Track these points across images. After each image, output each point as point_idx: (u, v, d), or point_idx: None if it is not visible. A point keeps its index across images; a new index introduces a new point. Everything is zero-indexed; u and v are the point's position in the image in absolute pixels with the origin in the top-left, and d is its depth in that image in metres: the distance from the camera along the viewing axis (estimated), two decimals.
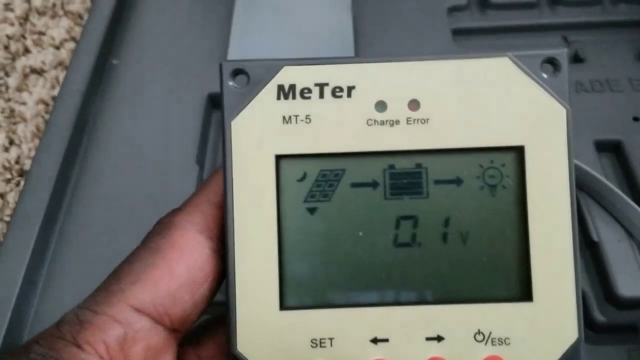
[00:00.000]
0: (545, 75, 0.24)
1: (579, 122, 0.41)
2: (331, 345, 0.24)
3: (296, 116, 0.25)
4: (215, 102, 0.46)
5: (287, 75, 0.25)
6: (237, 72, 0.25)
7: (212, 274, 0.24)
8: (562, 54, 0.25)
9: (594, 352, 0.34)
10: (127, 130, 0.45)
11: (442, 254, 0.25)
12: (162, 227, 0.24)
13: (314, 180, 0.25)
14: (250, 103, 0.24)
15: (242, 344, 0.24)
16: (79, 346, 0.21)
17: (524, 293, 0.24)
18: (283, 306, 0.24)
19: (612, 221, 0.37)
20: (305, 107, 0.24)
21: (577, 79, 0.44)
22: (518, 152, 0.24)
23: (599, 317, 0.34)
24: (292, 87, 0.24)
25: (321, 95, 0.24)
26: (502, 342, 0.24)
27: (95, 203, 0.41)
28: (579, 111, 0.42)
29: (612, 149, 0.41)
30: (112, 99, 0.47)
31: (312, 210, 0.25)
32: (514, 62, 0.24)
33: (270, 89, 0.24)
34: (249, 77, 0.25)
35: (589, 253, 0.37)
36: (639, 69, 0.45)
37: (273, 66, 0.25)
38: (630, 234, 0.36)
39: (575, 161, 0.36)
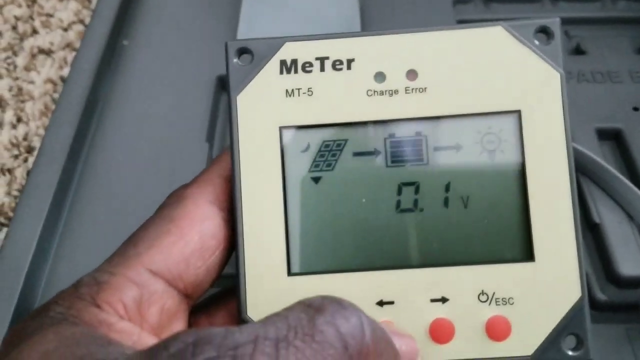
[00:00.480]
0: (538, 43, 0.25)
1: (581, 111, 0.43)
2: None
3: (298, 89, 0.25)
4: (224, 84, 0.47)
5: (289, 51, 0.25)
6: (241, 51, 0.26)
7: (223, 242, 0.25)
8: (554, 22, 0.25)
9: (596, 330, 0.35)
10: (138, 109, 0.45)
11: (444, 218, 0.25)
12: (175, 198, 0.25)
13: (317, 151, 0.26)
14: (255, 78, 0.25)
15: (252, 309, 0.25)
16: (98, 306, 0.22)
17: (526, 253, 0.25)
18: (290, 272, 0.25)
19: (612, 204, 0.38)
20: (307, 81, 0.25)
21: (579, 69, 0.46)
22: (515, 116, 0.25)
23: (600, 295, 0.35)
24: (294, 61, 0.25)
25: (322, 69, 0.25)
26: (506, 302, 0.25)
27: (106, 178, 0.42)
28: (581, 100, 0.43)
29: (612, 137, 0.42)
30: (123, 79, 0.47)
31: (316, 180, 0.26)
32: (507, 30, 0.25)
33: (273, 64, 0.25)
34: (253, 55, 0.25)
35: (591, 235, 0.38)
36: (638, 62, 0.46)
37: (275, 43, 0.25)
38: (630, 216, 0.37)
39: (578, 146, 0.38)
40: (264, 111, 0.25)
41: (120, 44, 0.49)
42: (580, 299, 0.25)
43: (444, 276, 0.25)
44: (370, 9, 0.52)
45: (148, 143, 0.43)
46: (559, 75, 0.25)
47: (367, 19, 0.51)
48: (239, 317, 0.25)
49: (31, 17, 0.58)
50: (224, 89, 0.47)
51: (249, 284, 0.25)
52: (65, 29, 0.57)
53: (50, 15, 0.58)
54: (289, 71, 0.25)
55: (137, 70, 0.48)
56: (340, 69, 0.25)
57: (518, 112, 0.25)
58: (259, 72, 0.25)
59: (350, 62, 0.25)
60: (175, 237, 0.24)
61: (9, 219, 0.45)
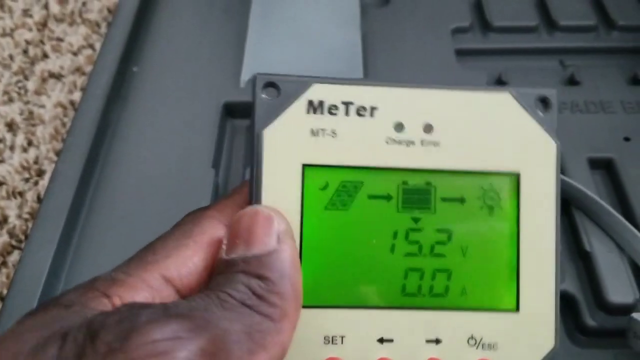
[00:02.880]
0: (539, 112, 0.28)
1: (574, 141, 0.44)
2: (342, 342, 0.27)
3: (323, 130, 0.27)
4: (229, 111, 0.48)
5: (317, 92, 0.27)
6: (269, 85, 0.27)
7: None
8: (552, 93, 0.28)
9: (585, 355, 0.36)
10: (147, 135, 0.47)
11: (444, 264, 0.27)
12: (193, 216, 0.26)
13: (335, 190, 0.27)
14: (282, 115, 0.26)
15: None
16: (109, 297, 0.22)
17: (512, 304, 0.27)
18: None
19: (603, 233, 0.39)
20: (331, 122, 0.27)
21: (572, 100, 0.47)
22: (514, 177, 0.28)
23: (590, 322, 0.37)
24: (321, 103, 0.26)
25: (347, 113, 0.27)
26: (491, 347, 0.27)
27: (116, 202, 0.43)
28: (574, 130, 0.45)
29: (604, 167, 0.44)
30: (132, 104, 0.49)
31: (331, 217, 0.27)
32: (514, 97, 0.28)
33: (301, 103, 0.26)
34: (279, 91, 0.26)
35: (582, 262, 0.39)
36: (631, 92, 0.48)
37: (304, 82, 0.27)
38: (619, 246, 0.39)
39: (570, 180, 0.39)
40: (289, 148, 0.26)
41: (130, 70, 0.51)
42: (554, 348, 0.27)
43: (440, 319, 0.27)
44: (372, 35, 0.54)
45: (156, 168, 0.45)
46: (555, 146, 0.28)
47: (370, 46, 0.53)
48: None
49: (42, 42, 0.60)
50: (229, 116, 0.49)
51: None
52: (75, 54, 0.59)
53: (60, 40, 0.60)
54: (315, 111, 0.26)
55: (146, 96, 0.49)
56: (364, 115, 0.27)
57: (517, 174, 0.28)
58: (286, 109, 0.26)
59: (373, 109, 0.27)
60: (192, 251, 0.25)
61: (20, 241, 0.46)
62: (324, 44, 0.53)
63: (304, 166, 0.27)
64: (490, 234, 0.27)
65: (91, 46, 0.60)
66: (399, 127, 0.27)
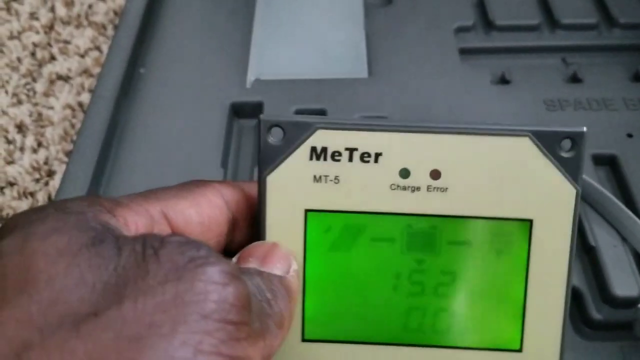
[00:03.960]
0: (562, 154, 0.26)
1: None
2: None
3: (326, 176, 0.26)
4: (236, 111, 0.49)
5: (320, 138, 0.26)
6: (273, 126, 0.26)
7: (220, 237, 0.27)
8: (581, 133, 0.26)
9: (591, 348, 0.37)
10: (156, 136, 0.47)
11: (447, 305, 0.27)
12: (197, 181, 0.27)
13: (338, 233, 0.27)
14: (285, 161, 0.26)
15: None
16: (113, 215, 0.22)
17: (515, 344, 0.27)
18: (304, 338, 0.27)
19: (607, 227, 0.40)
20: (334, 169, 0.26)
21: (575, 97, 0.48)
22: (527, 224, 0.27)
23: (595, 315, 0.37)
24: (324, 149, 0.26)
25: (350, 159, 0.26)
26: None
27: None
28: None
29: (608, 163, 0.44)
30: (140, 105, 0.49)
31: (334, 259, 0.27)
32: (533, 142, 0.26)
33: (304, 150, 0.26)
34: (284, 132, 0.26)
35: (587, 257, 0.40)
36: (633, 89, 0.48)
37: (307, 126, 0.26)
38: (624, 240, 0.39)
39: None
40: (292, 194, 0.27)
41: (138, 72, 0.52)
42: None
43: (442, 356, 0.27)
44: (376, 35, 0.54)
45: (165, 169, 0.45)
46: (575, 192, 0.26)
47: (374, 46, 0.53)
48: None
49: (49, 44, 0.61)
50: (236, 116, 0.49)
51: None
52: (82, 56, 0.60)
53: (67, 42, 0.61)
54: (318, 158, 0.26)
55: (154, 97, 0.50)
56: (368, 161, 0.26)
57: (530, 221, 0.26)
58: (289, 155, 0.26)
59: (378, 155, 0.26)
60: (189, 204, 0.25)
61: None
62: (329, 44, 0.53)
63: (307, 211, 0.27)
64: (496, 275, 0.27)
65: (98, 48, 0.60)
66: (405, 173, 0.26)
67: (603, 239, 0.40)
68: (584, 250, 0.40)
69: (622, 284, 0.38)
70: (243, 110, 0.49)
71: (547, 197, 0.26)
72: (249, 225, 0.28)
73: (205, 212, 0.26)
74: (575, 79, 0.50)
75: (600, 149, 0.44)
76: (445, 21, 0.55)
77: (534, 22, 0.54)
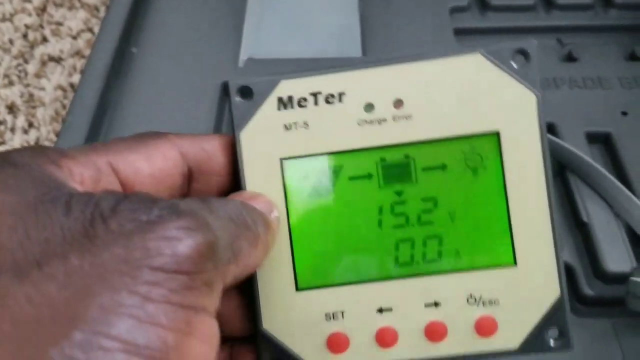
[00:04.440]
0: (515, 66, 0.27)
1: (572, 116, 0.44)
2: (343, 317, 0.27)
3: (295, 123, 0.28)
4: (228, 90, 0.49)
5: (285, 88, 0.28)
6: (242, 89, 0.28)
7: (176, 189, 0.27)
8: (531, 44, 0.27)
9: (584, 324, 0.37)
10: (146, 115, 0.47)
11: (433, 231, 0.28)
12: (154, 133, 0.27)
13: (316, 177, 0.28)
14: (255, 115, 0.28)
15: (267, 322, 0.28)
16: (58, 166, 0.22)
17: (508, 259, 0.27)
18: (298, 287, 0.28)
19: (600, 203, 0.40)
20: (302, 115, 0.28)
21: (570, 76, 0.47)
22: (495, 136, 0.27)
23: (588, 291, 0.37)
24: (290, 98, 0.28)
25: (316, 103, 0.28)
26: (492, 303, 0.27)
27: None
28: (572, 106, 0.45)
29: (602, 141, 0.44)
30: (132, 85, 0.49)
31: (316, 204, 0.28)
32: (485, 57, 0.27)
33: (271, 101, 0.28)
34: (253, 92, 0.28)
35: (579, 233, 0.39)
36: (628, 68, 0.48)
37: (272, 81, 0.28)
38: (617, 215, 0.39)
39: (568, 145, 0.40)
40: (266, 145, 0.28)
41: (129, 51, 0.51)
42: (560, 297, 0.27)
43: (436, 283, 0.27)
44: (370, 16, 0.54)
45: None
46: (535, 97, 0.27)
47: (368, 28, 0.53)
48: (257, 328, 0.28)
49: (41, 26, 0.60)
50: (228, 95, 0.49)
51: (263, 299, 0.28)
52: (75, 37, 0.59)
53: (59, 24, 0.60)
54: (285, 107, 0.28)
55: (145, 77, 0.50)
56: (332, 102, 0.27)
57: (497, 132, 0.27)
58: (258, 109, 0.28)
59: (341, 95, 0.27)
60: (140, 157, 0.25)
61: None
62: (322, 23, 0.53)
63: (282, 160, 0.28)
64: (476, 194, 0.27)
65: (90, 30, 0.60)
66: (369, 107, 0.27)
67: (596, 215, 0.39)
68: (576, 226, 0.40)
69: (615, 259, 0.37)
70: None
71: (508, 107, 0.27)
72: (210, 179, 0.28)
73: (157, 164, 0.26)
74: (570, 58, 0.49)
75: (594, 126, 0.44)
76: (440, 1, 0.54)
77: (530, 3, 0.53)
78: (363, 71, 0.28)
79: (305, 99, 0.28)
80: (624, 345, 0.36)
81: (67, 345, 0.17)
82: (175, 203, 0.21)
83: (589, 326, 0.37)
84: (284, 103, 0.28)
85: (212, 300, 0.20)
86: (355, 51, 0.51)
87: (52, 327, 0.17)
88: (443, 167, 0.27)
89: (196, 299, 0.19)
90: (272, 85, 0.28)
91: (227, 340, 0.29)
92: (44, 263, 0.18)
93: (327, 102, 0.27)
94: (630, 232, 0.39)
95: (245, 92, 0.28)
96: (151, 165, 0.25)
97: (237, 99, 0.28)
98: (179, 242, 0.19)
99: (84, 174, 0.23)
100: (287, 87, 0.28)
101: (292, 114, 0.28)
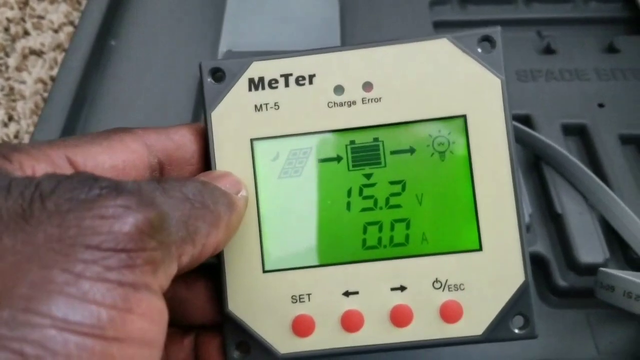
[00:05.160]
0: (481, 51, 0.28)
1: (549, 108, 0.44)
2: (309, 300, 0.28)
3: (266, 104, 0.28)
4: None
5: (256, 70, 0.28)
6: (214, 70, 0.28)
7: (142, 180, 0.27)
8: (496, 31, 0.28)
9: (557, 315, 0.37)
10: (125, 107, 0.47)
11: (401, 214, 0.28)
12: (118, 129, 0.27)
13: (285, 159, 0.28)
14: (226, 96, 0.28)
15: (232, 304, 0.28)
16: (8, 160, 0.22)
17: (474, 244, 0.27)
18: (265, 269, 0.28)
19: (574, 195, 0.40)
20: (273, 96, 0.28)
21: (547, 68, 0.47)
22: (461, 120, 0.27)
23: (561, 282, 0.37)
24: (261, 79, 0.28)
25: (287, 84, 0.28)
26: (458, 288, 0.27)
27: None
28: (549, 98, 0.45)
29: (577, 133, 0.44)
30: (111, 77, 0.49)
31: (285, 185, 0.28)
32: (452, 42, 0.28)
33: (242, 82, 0.28)
34: (225, 73, 0.28)
35: (553, 224, 0.40)
36: (605, 60, 0.48)
37: (244, 62, 0.28)
38: (591, 207, 0.39)
39: (543, 137, 0.40)
40: (236, 125, 0.28)
41: (109, 44, 0.51)
42: (524, 282, 0.27)
43: (402, 267, 0.28)
44: (349, 8, 0.54)
45: None
46: (499, 82, 0.27)
47: (347, 19, 0.53)
48: (223, 311, 0.28)
49: (23, 19, 0.60)
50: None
51: (229, 281, 0.28)
52: (56, 31, 0.59)
53: (41, 17, 0.60)
54: (257, 88, 0.28)
55: (124, 69, 0.50)
56: (303, 84, 0.28)
57: (464, 116, 0.27)
58: (230, 90, 0.28)
59: (311, 77, 0.28)
60: (103, 149, 0.25)
61: None
62: (302, 16, 0.53)
63: (252, 140, 0.28)
64: (443, 178, 0.28)
65: (72, 23, 0.60)
66: (339, 89, 0.28)
67: (570, 206, 0.39)
68: (550, 218, 0.40)
69: (588, 250, 0.37)
70: None
71: (474, 91, 0.27)
72: (182, 169, 0.28)
73: (119, 156, 0.26)
74: (548, 50, 0.49)
75: (570, 118, 0.44)
76: None
77: None
78: (334, 54, 0.28)
79: (276, 80, 0.28)
80: (597, 336, 0.36)
81: None
82: (120, 182, 0.20)
83: (562, 317, 0.37)
84: (255, 84, 0.28)
85: (157, 278, 0.20)
86: (335, 43, 0.51)
87: None
88: (411, 150, 0.28)
89: (136, 277, 0.19)
90: (244, 67, 0.28)
91: (193, 328, 0.29)
92: None
93: (298, 83, 0.28)
94: (604, 223, 0.39)
95: (217, 73, 0.28)
96: (113, 157, 0.25)
97: (208, 80, 0.28)
98: (115, 220, 0.19)
99: (36, 166, 0.23)
100: (259, 69, 0.28)
101: (263, 95, 0.28)
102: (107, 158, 0.25)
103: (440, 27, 0.52)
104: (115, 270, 0.19)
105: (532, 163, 0.42)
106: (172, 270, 0.21)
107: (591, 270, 0.37)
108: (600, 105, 0.45)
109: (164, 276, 0.21)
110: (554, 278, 0.37)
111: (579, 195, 0.40)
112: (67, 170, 0.24)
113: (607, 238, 0.38)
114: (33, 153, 0.23)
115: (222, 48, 0.50)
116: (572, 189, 0.40)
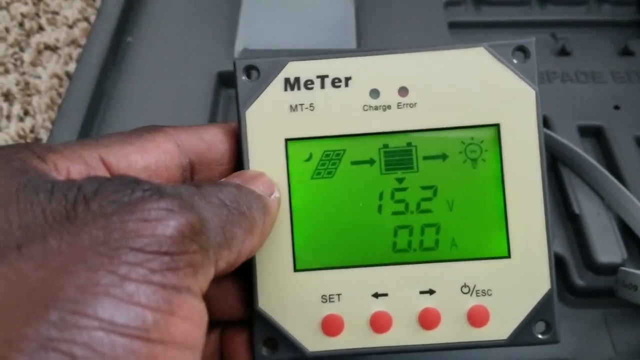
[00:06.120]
0: (516, 62, 0.28)
1: (565, 109, 0.45)
2: (339, 300, 0.28)
3: (301, 104, 0.28)
4: (224, 80, 0.49)
5: (292, 70, 0.28)
6: (249, 68, 0.28)
7: (175, 181, 0.27)
8: (530, 42, 0.28)
9: (574, 315, 0.37)
10: (141, 104, 0.47)
11: (431, 219, 0.28)
12: (150, 127, 0.27)
13: (318, 160, 0.28)
14: (261, 95, 0.28)
15: (263, 301, 0.28)
16: (44, 161, 0.22)
17: (503, 251, 0.28)
18: (296, 268, 0.28)
19: (592, 195, 0.40)
20: (308, 97, 0.28)
21: (563, 69, 0.48)
22: (494, 129, 0.28)
23: (579, 282, 0.38)
24: (297, 79, 0.28)
25: (322, 86, 0.28)
26: (485, 293, 0.28)
27: None
28: (565, 99, 0.45)
29: (594, 134, 0.44)
30: (127, 74, 0.49)
31: (317, 186, 0.28)
32: (488, 51, 0.28)
33: (278, 82, 0.28)
34: (259, 72, 0.28)
35: (571, 224, 0.40)
36: (620, 63, 0.48)
37: (279, 62, 0.28)
38: (608, 207, 0.39)
39: (560, 138, 0.40)
40: (271, 125, 0.28)
41: (125, 40, 0.51)
42: (550, 291, 0.28)
43: (431, 271, 0.28)
44: (365, 8, 0.54)
45: None
46: (534, 93, 0.28)
47: (362, 20, 0.53)
48: (253, 308, 0.28)
49: (37, 15, 0.60)
50: (223, 85, 0.49)
51: (260, 278, 0.28)
52: (71, 26, 0.59)
53: (55, 13, 0.60)
54: (292, 88, 0.28)
55: (141, 66, 0.50)
56: (339, 86, 0.28)
57: (497, 125, 0.28)
58: (265, 89, 0.28)
59: (347, 79, 0.28)
60: (135, 149, 0.25)
61: None
62: (317, 15, 0.53)
63: (287, 140, 0.28)
64: (475, 185, 0.28)
65: (86, 19, 0.60)
66: (374, 93, 0.28)
67: (587, 206, 0.40)
68: (568, 218, 0.40)
69: (606, 250, 0.38)
70: (230, 79, 0.49)
71: (508, 100, 0.28)
72: (212, 169, 0.28)
73: (152, 157, 0.26)
74: (563, 52, 0.49)
75: (587, 120, 0.44)
76: None
77: None
78: (370, 58, 0.28)
79: (312, 82, 0.28)
80: (614, 336, 0.36)
81: (42, 323, 0.17)
82: (161, 186, 0.21)
83: (579, 317, 0.37)
84: (291, 84, 0.28)
85: (197, 282, 0.20)
86: (350, 43, 0.51)
87: (28, 306, 0.17)
88: (444, 156, 0.28)
89: (178, 280, 0.19)
90: (280, 66, 0.28)
91: (218, 324, 0.29)
92: (24, 246, 0.18)
93: (334, 85, 0.28)
94: (621, 224, 0.39)
95: (252, 71, 0.28)
96: (145, 157, 0.25)
97: (243, 77, 0.28)
98: (158, 223, 0.19)
99: (70, 167, 0.23)
100: (295, 69, 0.28)
101: (299, 96, 0.28)
102: (139, 158, 0.25)
103: (456, 28, 0.52)
104: (158, 272, 0.19)
105: (550, 164, 0.42)
106: (210, 274, 0.22)
107: (609, 270, 0.37)
108: (616, 107, 0.45)
109: (204, 279, 0.21)
110: (571, 278, 0.38)
111: (596, 196, 0.40)
112: (101, 170, 0.24)
113: (625, 238, 0.39)
114: (67, 154, 0.23)
115: (238, 46, 0.50)
116: (589, 190, 0.40)
